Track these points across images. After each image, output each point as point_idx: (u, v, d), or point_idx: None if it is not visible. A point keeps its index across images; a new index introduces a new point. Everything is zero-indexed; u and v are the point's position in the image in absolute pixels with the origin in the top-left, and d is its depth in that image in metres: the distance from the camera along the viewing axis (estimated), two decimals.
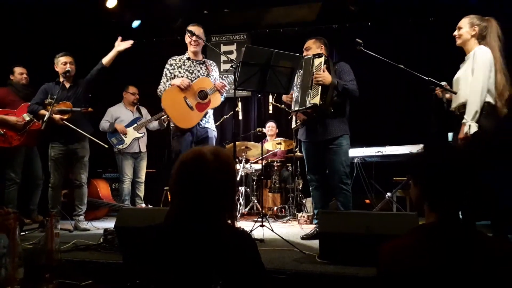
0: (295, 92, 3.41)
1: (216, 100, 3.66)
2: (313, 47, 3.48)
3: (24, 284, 1.59)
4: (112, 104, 5.18)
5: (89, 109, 3.93)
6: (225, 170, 1.26)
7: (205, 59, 3.83)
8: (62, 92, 3.92)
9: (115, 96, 5.30)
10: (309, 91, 3.25)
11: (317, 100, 3.17)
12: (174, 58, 3.72)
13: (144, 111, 5.16)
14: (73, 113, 3.88)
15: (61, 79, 3.96)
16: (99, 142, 4.06)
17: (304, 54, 3.47)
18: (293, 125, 3.52)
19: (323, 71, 3.21)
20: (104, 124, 4.94)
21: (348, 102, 3.42)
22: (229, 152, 1.32)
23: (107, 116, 5.00)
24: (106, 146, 4.09)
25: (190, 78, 3.62)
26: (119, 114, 5.03)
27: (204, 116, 3.66)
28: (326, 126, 3.30)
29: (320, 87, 3.19)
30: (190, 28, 3.65)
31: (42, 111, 3.88)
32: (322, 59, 3.26)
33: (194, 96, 3.57)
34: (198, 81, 3.63)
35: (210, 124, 3.75)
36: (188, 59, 3.71)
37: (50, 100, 3.75)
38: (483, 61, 2.79)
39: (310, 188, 3.52)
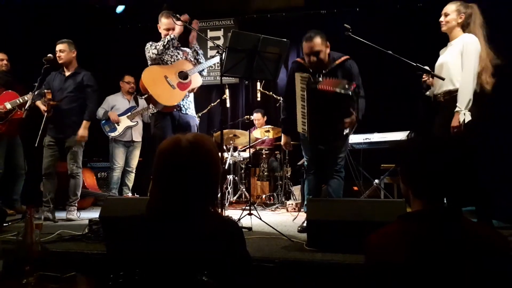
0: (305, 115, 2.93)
1: (197, 80, 3.68)
2: (323, 48, 2.96)
3: (3, 277, 1.55)
4: (104, 93, 5.10)
5: (55, 102, 3.85)
6: (202, 157, 1.23)
7: (180, 45, 3.79)
8: (59, 81, 3.94)
9: (104, 84, 5.19)
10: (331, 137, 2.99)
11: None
12: (153, 42, 3.64)
13: (141, 101, 5.09)
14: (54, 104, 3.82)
15: (64, 68, 3.97)
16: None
17: (311, 59, 2.96)
18: (300, 129, 3.15)
19: (351, 119, 2.91)
20: (100, 111, 4.89)
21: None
22: (209, 140, 1.27)
23: (104, 104, 4.98)
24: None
25: (170, 61, 3.64)
26: (115, 102, 5.01)
27: (183, 100, 3.62)
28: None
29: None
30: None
31: (37, 102, 3.89)
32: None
33: (175, 75, 3.57)
34: (177, 63, 3.65)
35: (191, 110, 3.74)
36: None
37: (45, 90, 3.79)
38: (473, 51, 2.83)
39: (306, 174, 3.40)
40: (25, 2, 4.98)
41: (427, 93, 3.16)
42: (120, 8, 5.81)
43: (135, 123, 4.93)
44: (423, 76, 3.09)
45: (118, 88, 5.15)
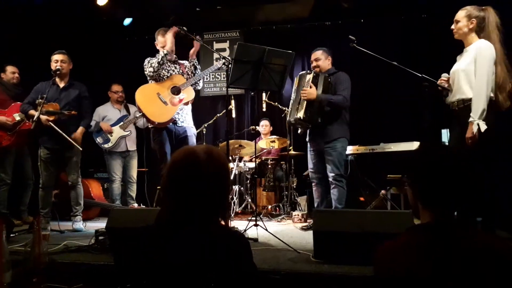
0: (290, 105, 3.78)
1: (190, 94, 3.76)
2: (322, 58, 3.76)
3: None
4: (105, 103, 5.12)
5: (73, 112, 3.85)
6: (218, 169, 1.23)
7: (177, 59, 3.90)
8: (54, 92, 3.90)
9: (105, 94, 5.22)
10: (298, 105, 3.61)
11: (301, 114, 3.53)
12: (151, 58, 3.76)
13: (132, 109, 5.03)
14: (59, 115, 3.82)
15: (56, 78, 3.92)
16: (78, 146, 3.93)
17: (314, 64, 3.76)
18: (299, 130, 3.91)
19: (310, 87, 3.51)
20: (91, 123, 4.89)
21: (344, 110, 3.65)
22: (221, 151, 1.28)
23: (95, 115, 4.87)
24: (80, 148, 3.96)
25: (166, 76, 3.74)
26: (106, 112, 4.94)
27: (179, 114, 3.71)
28: (325, 130, 3.60)
29: (305, 102, 3.51)
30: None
31: (32, 111, 3.83)
32: (311, 76, 3.58)
33: (168, 91, 3.68)
34: (171, 77, 3.74)
35: (187, 122, 3.82)
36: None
37: (39, 100, 3.69)
38: (487, 58, 2.74)
39: (313, 184, 3.81)
40: (30, 12, 5.04)
41: (446, 100, 3.06)
42: (127, 21, 5.89)
43: (128, 132, 4.86)
44: (441, 82, 3.03)
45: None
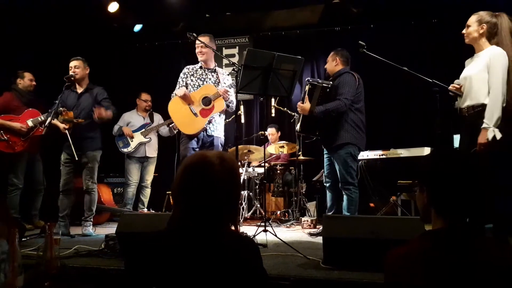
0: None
1: (220, 105, 3.73)
2: (329, 60, 3.73)
3: None
4: (122, 110, 5.19)
5: (80, 120, 3.84)
6: (230, 174, 1.23)
7: (217, 67, 3.92)
8: (73, 98, 3.95)
9: (122, 102, 5.28)
10: (299, 115, 3.72)
11: (298, 127, 3.73)
12: (188, 67, 3.85)
13: (157, 116, 5.19)
14: (71, 123, 3.84)
15: (76, 84, 3.97)
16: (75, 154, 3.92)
17: (325, 66, 3.82)
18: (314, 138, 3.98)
19: (305, 102, 3.53)
20: (115, 128, 5.02)
21: (352, 113, 3.49)
22: (233, 157, 1.29)
23: (120, 121, 5.06)
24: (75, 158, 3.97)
25: (200, 84, 3.76)
26: (131, 119, 5.10)
27: (210, 123, 3.72)
28: (330, 136, 3.55)
29: (301, 115, 3.63)
30: (200, 37, 3.70)
31: (54, 121, 3.81)
32: (307, 88, 3.56)
33: (199, 102, 3.67)
34: (201, 88, 3.73)
35: (217, 131, 3.81)
36: (200, 67, 3.82)
37: (61, 108, 3.75)
38: (501, 66, 2.71)
39: (325, 186, 3.80)
40: (42, 20, 5.11)
41: (455, 104, 3.04)
42: (137, 27, 5.97)
43: (149, 139, 4.97)
44: (452, 87, 3.00)
45: (135, 105, 5.22)
